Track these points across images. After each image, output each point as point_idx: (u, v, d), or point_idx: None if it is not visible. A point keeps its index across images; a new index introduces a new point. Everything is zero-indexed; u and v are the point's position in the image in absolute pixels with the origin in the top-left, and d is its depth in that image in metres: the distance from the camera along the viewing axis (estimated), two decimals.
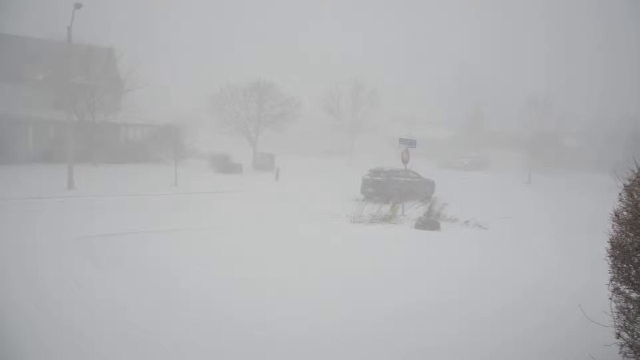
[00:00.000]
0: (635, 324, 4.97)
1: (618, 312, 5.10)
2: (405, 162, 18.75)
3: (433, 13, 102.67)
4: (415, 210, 16.60)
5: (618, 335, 4.98)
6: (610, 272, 5.20)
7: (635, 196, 4.99)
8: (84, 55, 28.74)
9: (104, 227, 13.18)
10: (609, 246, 5.24)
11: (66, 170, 21.10)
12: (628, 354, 4.91)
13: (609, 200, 6.26)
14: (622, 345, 4.96)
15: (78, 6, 20.00)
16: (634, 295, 5.04)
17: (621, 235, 5.12)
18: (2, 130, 28.78)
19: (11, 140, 29.20)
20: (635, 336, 4.94)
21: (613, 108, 57.24)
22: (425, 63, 78.58)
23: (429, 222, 15.09)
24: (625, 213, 5.12)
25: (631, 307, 5.03)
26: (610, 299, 5.16)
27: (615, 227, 5.23)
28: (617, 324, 5.06)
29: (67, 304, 7.42)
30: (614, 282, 5.16)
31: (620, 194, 5.24)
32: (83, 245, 11.08)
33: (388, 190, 21.07)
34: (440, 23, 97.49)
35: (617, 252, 5.10)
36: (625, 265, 5.03)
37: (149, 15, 75.52)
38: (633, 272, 4.96)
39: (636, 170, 5.19)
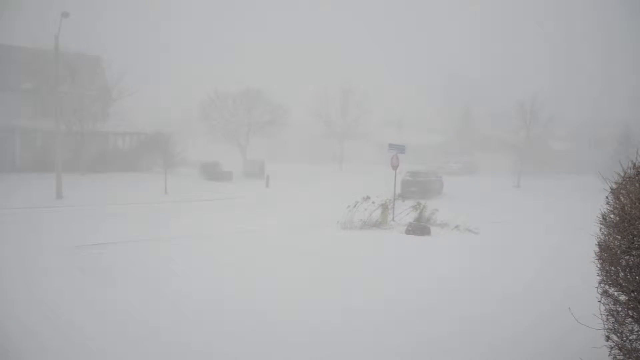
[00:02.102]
0: (624, 326, 5.00)
1: (607, 315, 5.13)
2: (394, 167, 18.84)
3: (429, 15, 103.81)
4: (405, 215, 16.63)
5: (607, 338, 5.01)
6: (598, 275, 5.23)
7: (622, 199, 5.04)
8: (71, 64, 28.55)
9: (96, 236, 13.04)
10: (597, 249, 5.28)
11: (54, 179, 20.88)
12: (617, 356, 4.93)
13: (597, 202, 6.32)
14: (611, 348, 4.98)
15: (65, 15, 19.91)
16: (622, 297, 5.07)
17: (609, 238, 5.16)
18: None
19: None
20: (625, 338, 4.97)
21: (605, 111, 58.09)
22: (418, 65, 79.25)
23: (419, 228, 15.12)
24: (612, 216, 5.16)
25: (620, 309, 5.06)
26: (599, 301, 5.20)
27: (602, 229, 5.28)
28: (606, 326, 5.09)
29: (62, 311, 7.33)
30: (602, 285, 5.19)
31: (607, 197, 5.28)
32: (75, 255, 10.96)
33: (427, 188, 26.94)
34: (435, 24, 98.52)
35: (605, 255, 5.14)
36: (613, 268, 5.06)
37: (140, 22, 75.41)
38: (621, 274, 4.99)
39: (623, 174, 5.24)
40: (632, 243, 4.81)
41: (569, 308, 5.91)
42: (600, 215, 5.30)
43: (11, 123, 29.79)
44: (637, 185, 4.94)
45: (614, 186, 5.23)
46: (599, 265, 5.26)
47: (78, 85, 30.34)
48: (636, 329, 4.96)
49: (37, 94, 29.81)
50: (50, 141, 28.15)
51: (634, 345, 4.91)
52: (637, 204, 4.75)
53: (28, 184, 24.26)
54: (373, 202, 15.71)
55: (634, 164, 5.13)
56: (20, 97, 30.77)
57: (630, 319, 4.98)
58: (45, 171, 26.56)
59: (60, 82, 23.58)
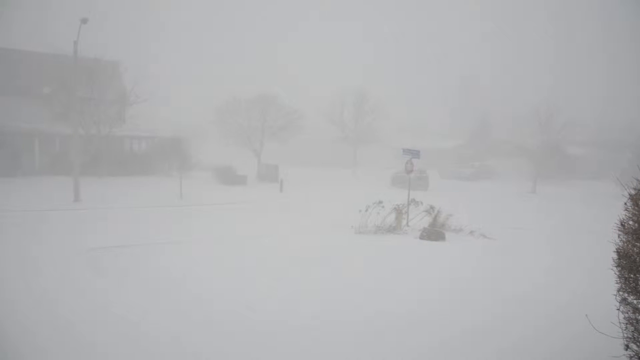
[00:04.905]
0: None
1: (626, 323, 5.04)
2: (409, 172, 18.80)
3: (437, 19, 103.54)
4: (419, 220, 16.54)
5: (627, 347, 4.92)
6: (617, 283, 5.15)
7: None
8: (89, 69, 29.01)
9: (111, 239, 13.20)
10: (615, 256, 5.20)
11: (72, 182, 21.20)
12: None
13: (614, 209, 6.22)
14: (631, 357, 4.90)
15: (84, 21, 20.23)
16: None
17: (627, 245, 5.07)
18: (9, 143, 29.10)
19: (18, 153, 29.46)
20: None
21: (617, 115, 57.13)
22: (429, 70, 78.93)
23: (433, 233, 15.03)
24: (631, 222, 5.08)
25: (639, 317, 4.97)
26: (618, 309, 5.11)
27: (621, 236, 5.19)
28: (625, 335, 5.00)
29: (74, 314, 7.42)
30: (621, 293, 5.11)
31: (625, 204, 5.20)
32: (91, 257, 11.11)
33: (427, 182, 34.81)
34: (442, 29, 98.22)
35: (624, 262, 5.06)
36: (632, 276, 4.98)
37: (144, 26, 76.01)
38: None
39: None
40: None
41: (586, 315, 5.82)
42: (618, 222, 5.22)
43: (31, 127, 30.37)
44: None
45: (633, 192, 5.15)
46: (617, 273, 5.17)
47: (96, 90, 30.82)
48: None
49: (56, 99, 30.33)
50: (68, 145, 28.64)
51: None
52: None
53: (47, 186, 24.66)
54: (383, 207, 15.65)
55: None
56: (39, 102, 31.36)
57: None
58: (63, 174, 27.01)
59: (79, 87, 23.95)
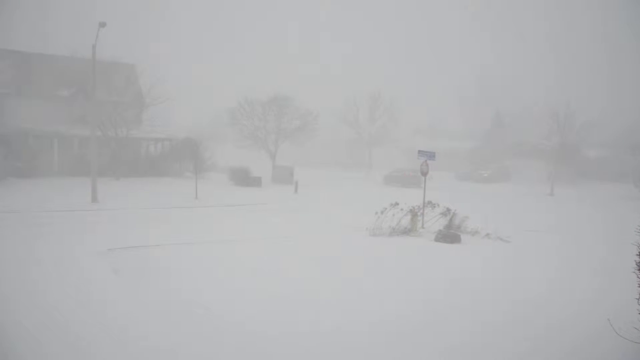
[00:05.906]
0: None
1: None
2: (424, 174, 18.68)
3: (436, 20, 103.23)
4: (435, 222, 16.42)
5: None
6: (639, 287, 5.06)
7: None
8: (107, 72, 29.40)
9: (127, 240, 13.33)
10: (637, 259, 5.11)
11: (90, 183, 21.51)
12: None
13: (634, 211, 6.10)
14: None
15: (103, 25, 20.52)
16: None
17: None
18: (29, 145, 29.67)
19: (37, 154, 30.00)
20: None
21: (620, 115, 56.05)
22: (441, 72, 78.43)
23: (449, 235, 14.91)
24: None
25: None
26: None
27: None
28: None
29: (89, 314, 7.53)
30: None
31: None
32: (108, 257, 11.25)
33: (422, 180, 33.97)
34: (442, 29, 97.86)
35: None
36: None
37: (143, 27, 76.33)
38: None
39: None
40: None
41: (609, 319, 5.72)
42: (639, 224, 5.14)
43: (50, 129, 30.90)
44: None
45: None
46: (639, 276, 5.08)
47: (113, 93, 31.22)
48: None
49: (74, 101, 30.83)
50: (86, 147, 29.07)
51: None
52: None
53: (65, 187, 25.04)
54: (402, 209, 15.57)
55: None
56: (58, 104, 31.89)
57: None
58: (81, 175, 27.39)
59: (97, 89, 24.30)
